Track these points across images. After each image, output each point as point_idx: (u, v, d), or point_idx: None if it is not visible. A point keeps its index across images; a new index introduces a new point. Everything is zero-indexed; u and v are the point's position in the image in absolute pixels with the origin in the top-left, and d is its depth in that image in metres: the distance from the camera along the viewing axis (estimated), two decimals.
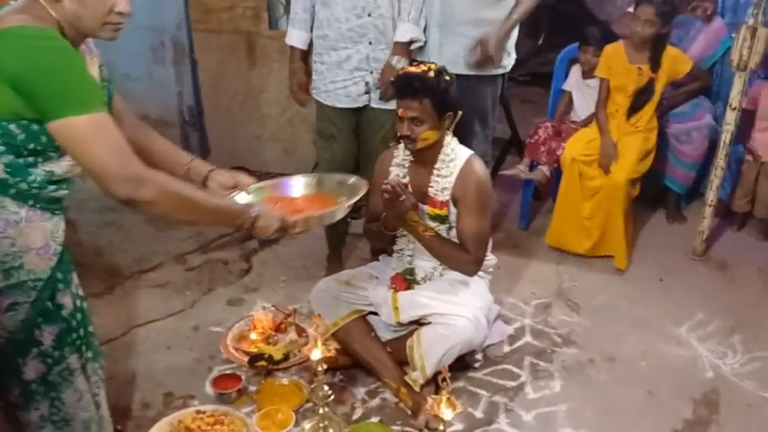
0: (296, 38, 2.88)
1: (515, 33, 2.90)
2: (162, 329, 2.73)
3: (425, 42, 2.81)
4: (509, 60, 2.93)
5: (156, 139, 1.82)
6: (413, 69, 2.28)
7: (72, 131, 1.42)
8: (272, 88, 3.90)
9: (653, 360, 2.62)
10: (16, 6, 1.49)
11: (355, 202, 1.85)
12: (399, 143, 2.39)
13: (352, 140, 2.92)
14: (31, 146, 1.47)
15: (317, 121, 2.96)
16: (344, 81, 2.80)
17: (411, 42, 2.77)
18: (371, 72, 2.79)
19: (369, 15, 2.71)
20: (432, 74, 2.22)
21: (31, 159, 1.48)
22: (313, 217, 1.80)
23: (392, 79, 2.35)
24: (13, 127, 1.43)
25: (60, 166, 1.53)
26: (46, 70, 1.40)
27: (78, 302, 1.67)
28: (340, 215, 1.85)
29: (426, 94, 2.19)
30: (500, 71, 2.90)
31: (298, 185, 2.00)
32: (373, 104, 2.84)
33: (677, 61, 3.20)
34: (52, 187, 1.54)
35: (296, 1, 2.87)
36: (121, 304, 2.87)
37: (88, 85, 1.46)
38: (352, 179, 1.99)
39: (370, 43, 2.75)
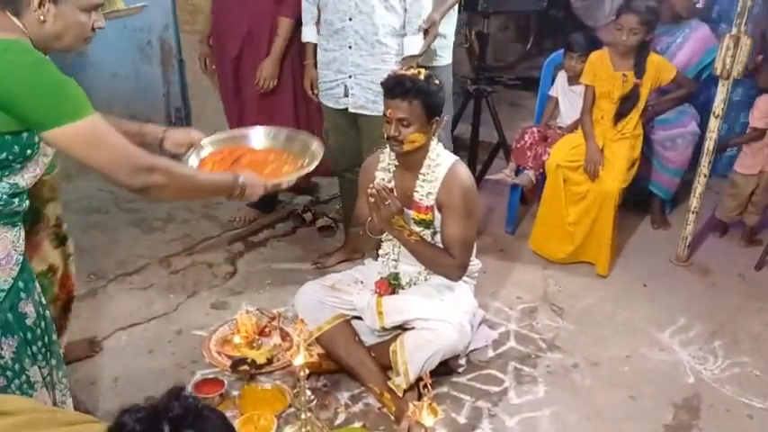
0: (311, 35, 3.00)
1: (452, 31, 3.16)
2: (144, 333, 2.71)
3: None
4: (449, 53, 3.19)
5: (110, 118, 1.82)
6: (403, 72, 2.29)
7: (73, 138, 1.44)
8: None
9: (636, 365, 2.63)
10: None
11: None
12: (385, 147, 2.39)
13: (345, 138, 3.01)
14: (2, 156, 1.46)
15: (324, 114, 3.14)
16: (330, 82, 2.91)
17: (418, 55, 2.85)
18: (350, 76, 2.85)
19: (350, 20, 2.78)
20: (422, 77, 2.23)
21: None
22: (286, 179, 1.94)
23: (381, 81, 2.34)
24: None
25: (24, 179, 1.53)
26: (34, 84, 1.40)
27: (41, 310, 1.65)
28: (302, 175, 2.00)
29: (416, 96, 2.20)
30: (444, 62, 3.14)
31: (257, 138, 2.13)
32: (351, 109, 2.90)
33: (661, 68, 3.22)
34: (15, 201, 1.53)
35: (306, 1, 2.97)
36: (104, 307, 2.85)
37: (76, 90, 1.47)
38: (313, 143, 2.07)
39: (350, 47, 2.81)
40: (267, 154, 2.06)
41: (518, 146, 3.50)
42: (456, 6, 3.17)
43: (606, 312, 2.97)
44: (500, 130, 3.84)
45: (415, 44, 2.83)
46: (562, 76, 3.58)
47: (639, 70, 3.16)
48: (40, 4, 1.45)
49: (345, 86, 2.87)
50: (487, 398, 2.42)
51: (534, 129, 3.51)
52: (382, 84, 2.29)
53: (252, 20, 3.19)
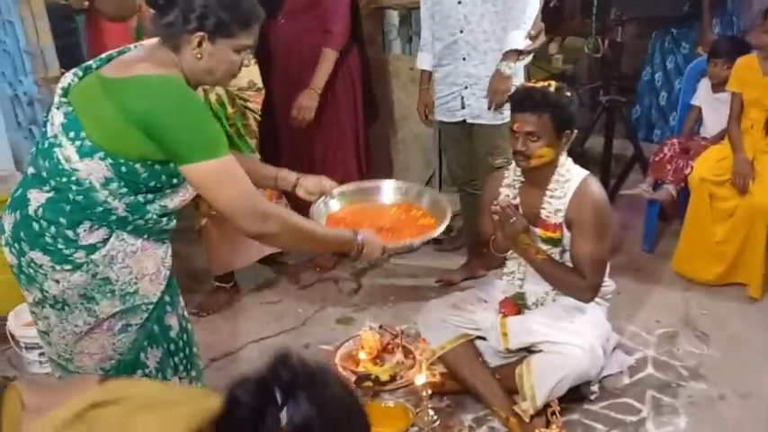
0: (425, 61, 3.04)
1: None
2: (274, 346, 2.80)
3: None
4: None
5: (241, 158, 1.90)
6: (532, 84, 2.24)
7: (204, 175, 1.53)
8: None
9: None
10: (142, 52, 1.60)
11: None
12: (500, 157, 2.34)
13: (462, 151, 3.03)
14: (152, 184, 1.57)
15: (440, 130, 3.22)
16: (446, 96, 2.94)
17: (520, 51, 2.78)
18: (465, 87, 2.86)
19: (460, 32, 2.80)
20: (552, 89, 2.16)
21: (150, 196, 1.59)
22: (410, 242, 1.99)
23: (509, 93, 2.31)
24: (138, 166, 1.53)
25: (173, 202, 1.63)
26: (178, 117, 1.50)
27: (184, 323, 1.75)
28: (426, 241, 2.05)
29: (546, 109, 2.13)
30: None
31: (387, 193, 2.16)
32: (469, 119, 2.91)
33: None
34: (164, 220, 1.64)
35: (424, 27, 3.02)
36: (239, 320, 2.98)
37: (215, 130, 1.57)
38: (442, 201, 2.09)
39: (463, 59, 2.83)
40: (392, 212, 2.08)
41: (656, 159, 3.32)
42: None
43: (758, 340, 2.70)
44: (636, 143, 3.65)
45: (518, 38, 2.76)
46: (705, 84, 3.36)
47: None
48: (200, 44, 1.55)
49: (462, 98, 2.88)
50: (623, 427, 2.27)
51: (675, 140, 3.33)
52: (511, 96, 2.24)
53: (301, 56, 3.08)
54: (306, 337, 2.84)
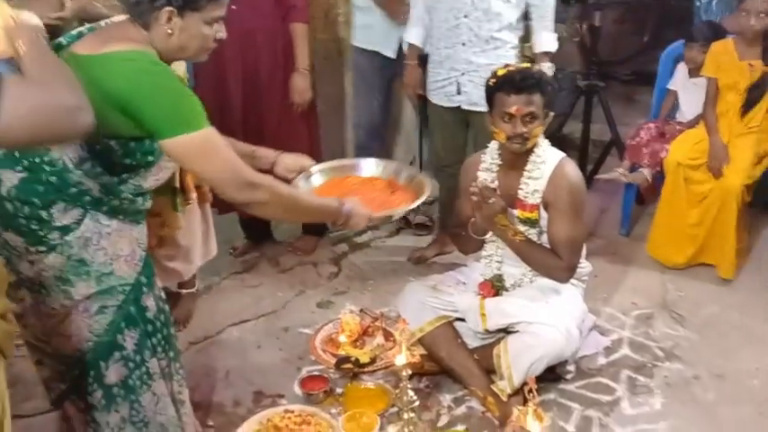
0: (414, 35, 3.01)
1: None
2: (254, 329, 2.80)
3: None
4: None
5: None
6: (517, 66, 2.25)
7: (187, 148, 1.52)
8: None
9: (766, 378, 2.42)
10: (114, 29, 1.58)
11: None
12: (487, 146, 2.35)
13: (451, 135, 3.05)
14: (127, 162, 1.55)
15: (428, 111, 3.15)
16: (443, 80, 2.92)
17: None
18: (463, 74, 2.84)
19: (465, 17, 2.78)
20: (535, 68, 2.20)
21: (124, 176, 1.57)
22: (393, 212, 2.01)
23: (495, 79, 2.24)
24: (113, 144, 1.52)
25: (148, 181, 1.62)
26: (156, 93, 1.48)
27: (161, 304, 1.74)
28: (409, 210, 2.07)
29: (541, 89, 2.16)
30: None
31: (366, 169, 2.17)
32: (464, 106, 2.90)
33: None
34: (140, 200, 1.63)
35: (417, 2, 2.98)
36: (218, 303, 2.97)
37: (194, 102, 1.55)
38: (419, 176, 2.11)
39: (463, 44, 2.80)
40: (375, 183, 2.11)
41: (633, 143, 3.33)
42: None
43: (733, 321, 2.75)
44: (613, 127, 3.68)
45: (551, 40, 2.83)
46: (682, 69, 3.37)
47: None
48: (169, 19, 1.53)
49: (458, 84, 2.87)
50: (598, 407, 2.30)
51: (651, 124, 3.34)
52: (500, 79, 2.20)
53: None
54: (285, 321, 2.84)
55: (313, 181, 2.08)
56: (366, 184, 2.09)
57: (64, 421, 1.79)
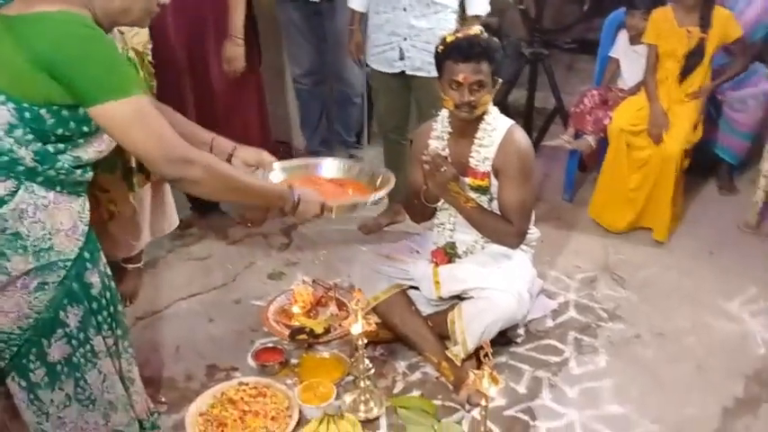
0: (356, 1, 2.99)
1: None
2: (204, 302, 2.76)
3: None
4: None
5: (177, 117, 1.82)
6: (466, 32, 2.20)
7: (114, 117, 1.44)
8: None
9: (702, 336, 2.54)
10: None
11: None
12: (439, 112, 2.34)
13: (395, 100, 3.03)
14: (60, 131, 1.47)
15: (371, 77, 3.17)
16: (384, 45, 2.88)
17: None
18: (405, 39, 2.82)
19: None
20: (485, 35, 2.17)
21: (60, 146, 1.49)
22: (349, 203, 1.93)
23: (443, 46, 2.21)
24: (43, 111, 1.44)
25: (87, 152, 1.54)
26: (85, 57, 1.40)
27: (106, 281, 1.68)
28: (371, 203, 1.98)
29: (487, 57, 2.14)
30: None
31: (328, 168, 2.11)
32: (409, 72, 2.88)
33: (728, 25, 3.04)
34: (79, 171, 1.55)
35: None
36: (165, 277, 2.91)
37: (125, 68, 1.48)
38: (383, 173, 2.07)
39: (404, 9, 2.78)
40: (342, 184, 2.05)
41: (577, 110, 3.40)
42: None
43: (670, 282, 2.87)
44: (557, 95, 3.73)
45: (483, 3, 2.80)
46: (624, 36, 3.44)
47: (705, 23, 3.01)
48: None
49: (400, 49, 2.84)
50: (547, 368, 2.38)
51: (594, 92, 3.40)
52: (448, 47, 2.18)
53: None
54: (236, 293, 2.81)
55: (272, 178, 1.99)
56: (329, 184, 2.03)
57: (6, 399, 1.73)
